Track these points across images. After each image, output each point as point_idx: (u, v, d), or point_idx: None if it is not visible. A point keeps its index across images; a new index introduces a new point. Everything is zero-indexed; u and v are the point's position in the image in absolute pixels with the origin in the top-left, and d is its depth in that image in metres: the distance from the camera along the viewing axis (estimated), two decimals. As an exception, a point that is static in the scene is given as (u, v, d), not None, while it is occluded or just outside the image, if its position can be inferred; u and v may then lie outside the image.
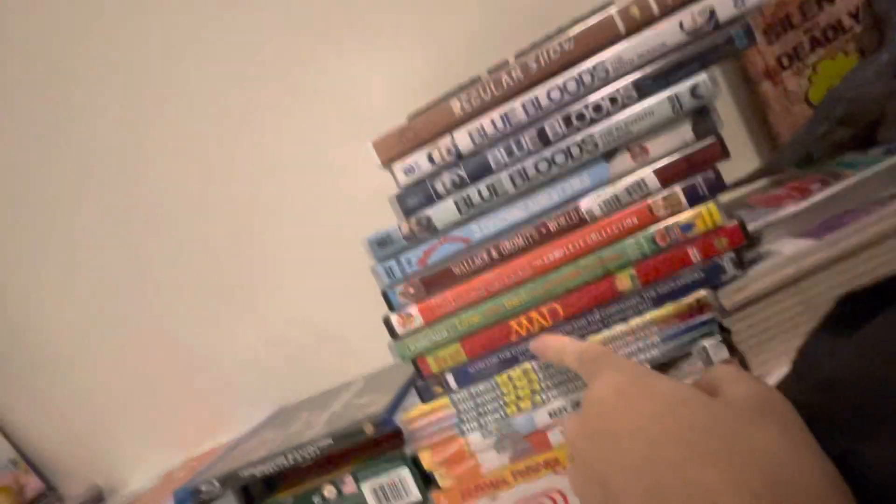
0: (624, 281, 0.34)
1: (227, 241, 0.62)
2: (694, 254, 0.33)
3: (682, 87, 0.31)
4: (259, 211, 0.61)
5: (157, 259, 0.64)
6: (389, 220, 0.36)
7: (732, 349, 0.34)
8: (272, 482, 0.49)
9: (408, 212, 0.36)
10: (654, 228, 0.33)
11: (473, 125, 0.34)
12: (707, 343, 0.34)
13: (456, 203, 0.35)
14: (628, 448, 0.19)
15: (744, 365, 0.34)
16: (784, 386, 0.27)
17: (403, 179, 0.36)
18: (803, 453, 0.17)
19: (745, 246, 0.33)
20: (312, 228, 0.61)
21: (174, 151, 0.61)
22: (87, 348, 0.67)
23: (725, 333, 0.34)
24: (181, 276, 0.63)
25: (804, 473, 0.16)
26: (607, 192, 0.34)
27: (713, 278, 0.33)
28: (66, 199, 0.64)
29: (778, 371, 0.34)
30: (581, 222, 0.34)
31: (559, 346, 0.32)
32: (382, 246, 0.36)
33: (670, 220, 0.33)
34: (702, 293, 0.33)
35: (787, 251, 0.33)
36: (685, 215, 0.33)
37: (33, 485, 0.66)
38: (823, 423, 0.20)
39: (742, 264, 0.33)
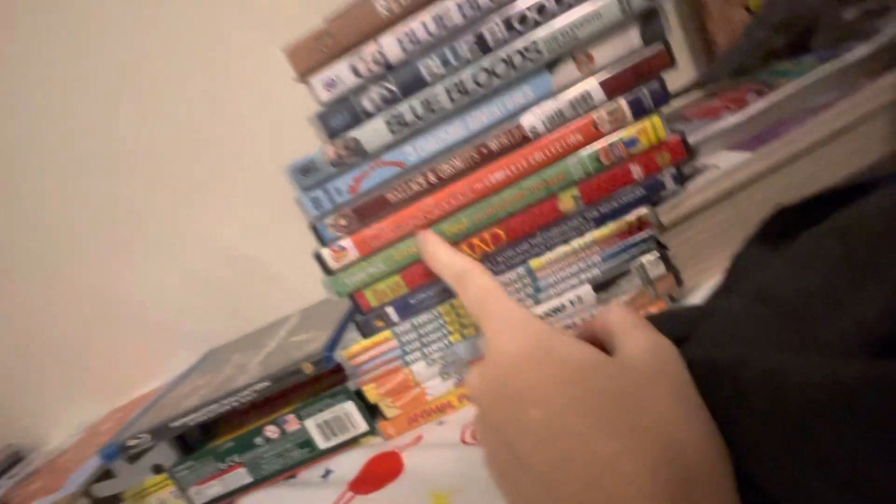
0: (567, 202, 0.33)
1: (140, 173, 0.55)
2: (636, 171, 0.32)
3: (631, -15, 0.29)
4: (172, 137, 0.53)
5: (66, 196, 0.55)
6: (317, 144, 0.32)
7: (668, 264, 0.34)
8: (209, 427, 0.47)
9: (332, 133, 0.32)
10: (598, 145, 0.32)
11: (402, 29, 0.30)
12: (645, 259, 0.34)
13: (387, 122, 0.31)
14: (536, 417, 0.19)
15: (678, 280, 0.34)
16: (716, 296, 0.28)
17: (325, 95, 0.31)
18: (692, 416, 0.18)
19: (685, 160, 0.32)
20: (231, 154, 0.54)
21: (71, 73, 0.51)
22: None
23: (662, 249, 0.34)
24: (93, 215, 0.56)
25: (694, 437, 0.17)
26: (550, 106, 0.31)
27: (653, 195, 0.33)
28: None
29: (710, 281, 0.36)
30: (524, 140, 0.32)
31: (429, 253, 0.31)
32: (306, 174, 0.32)
33: (614, 136, 0.32)
34: (642, 211, 0.33)
35: (723, 164, 0.33)
36: (629, 130, 0.31)
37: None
38: (754, 333, 0.21)
39: (681, 179, 0.33)
